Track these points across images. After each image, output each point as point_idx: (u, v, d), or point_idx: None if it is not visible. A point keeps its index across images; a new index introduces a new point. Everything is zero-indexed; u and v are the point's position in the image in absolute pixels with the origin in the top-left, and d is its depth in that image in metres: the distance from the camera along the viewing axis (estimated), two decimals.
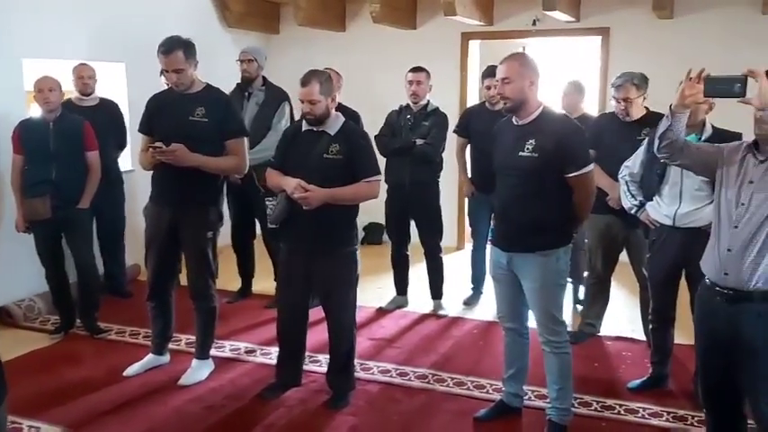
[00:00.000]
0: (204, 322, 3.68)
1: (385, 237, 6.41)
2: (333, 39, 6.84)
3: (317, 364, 3.77)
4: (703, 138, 3.24)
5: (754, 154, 2.32)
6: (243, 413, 3.32)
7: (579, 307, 4.66)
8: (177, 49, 3.38)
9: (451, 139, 4.90)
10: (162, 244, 3.57)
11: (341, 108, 4.66)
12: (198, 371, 3.68)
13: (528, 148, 2.85)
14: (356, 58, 6.64)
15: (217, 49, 5.91)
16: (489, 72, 4.71)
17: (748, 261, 2.24)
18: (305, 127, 3.29)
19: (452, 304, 4.93)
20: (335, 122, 3.27)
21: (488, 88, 4.71)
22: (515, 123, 2.96)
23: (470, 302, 5.00)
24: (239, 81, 4.86)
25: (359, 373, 3.63)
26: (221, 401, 3.43)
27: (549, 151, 2.82)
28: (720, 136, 3.19)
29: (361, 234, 6.90)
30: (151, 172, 3.59)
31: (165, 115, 3.53)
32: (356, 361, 3.61)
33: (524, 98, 2.88)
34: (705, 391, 2.54)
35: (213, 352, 3.86)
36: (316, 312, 3.52)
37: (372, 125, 4.80)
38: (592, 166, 2.95)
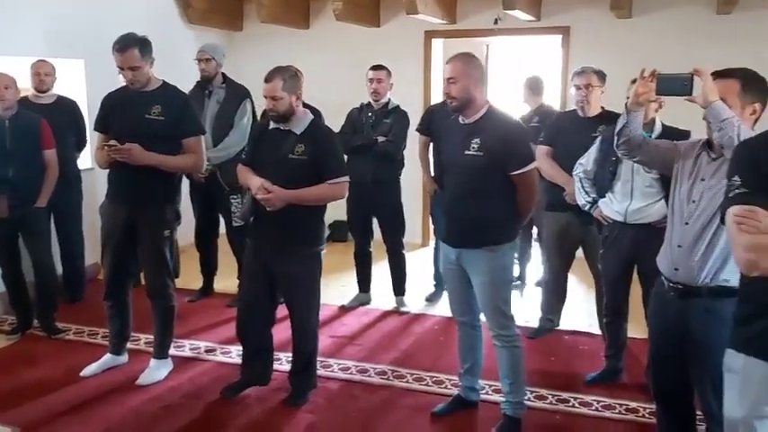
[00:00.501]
0: (162, 321, 3.66)
1: (350, 234, 6.43)
2: (296, 36, 6.82)
3: (278, 362, 3.77)
4: (654, 135, 3.31)
5: (707, 152, 2.36)
6: (201, 412, 3.31)
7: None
8: (132, 46, 3.35)
9: (414, 138, 4.93)
10: (118, 243, 3.54)
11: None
12: (156, 370, 3.66)
13: (473, 147, 2.91)
14: (320, 55, 6.64)
15: (178, 47, 5.86)
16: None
17: (697, 257, 2.30)
18: (272, 125, 3.27)
19: (415, 301, 4.96)
20: (302, 121, 3.24)
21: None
22: (461, 122, 3.01)
23: (432, 299, 5.04)
24: (199, 79, 4.83)
25: (319, 371, 3.64)
26: (179, 400, 3.42)
27: (493, 150, 2.87)
28: (669, 133, 3.27)
29: (326, 232, 6.93)
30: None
31: (121, 113, 3.50)
32: (318, 359, 3.60)
33: (470, 97, 2.93)
34: (656, 384, 2.60)
35: (173, 351, 3.84)
36: (280, 310, 3.51)
37: (335, 123, 4.80)
38: (534, 165, 3.01)
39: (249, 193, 3.26)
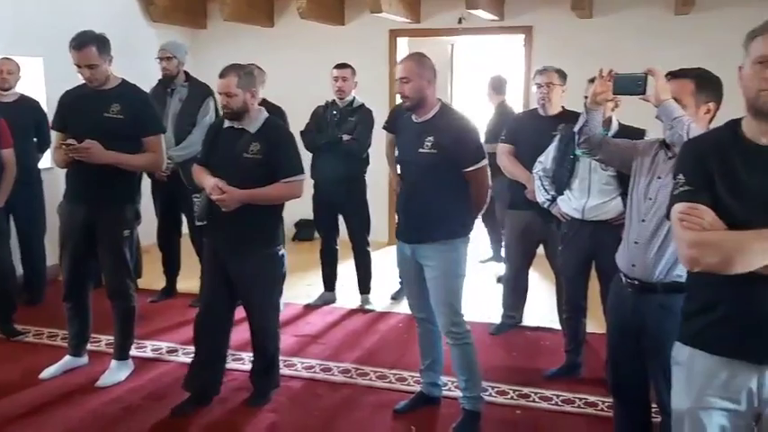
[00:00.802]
0: (122, 322, 3.62)
1: (316, 233, 6.42)
2: (261, 34, 6.79)
3: (240, 362, 3.76)
4: (610, 133, 3.36)
5: (665, 151, 2.41)
6: (162, 413, 3.27)
7: None
8: (90, 44, 3.31)
9: (379, 136, 4.94)
10: (77, 243, 3.49)
11: (264, 104, 4.67)
12: (116, 372, 3.62)
13: (427, 145, 2.95)
14: (284, 53, 6.62)
15: (140, 44, 5.80)
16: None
17: (652, 254, 2.35)
18: (226, 124, 3.24)
19: (380, 299, 4.98)
20: (257, 119, 3.20)
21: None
22: (415, 121, 3.05)
23: (398, 297, 5.05)
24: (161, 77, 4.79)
25: (282, 370, 3.63)
26: (140, 402, 3.39)
27: (446, 148, 2.92)
28: (626, 132, 3.33)
29: (292, 230, 6.91)
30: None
31: (79, 112, 3.45)
32: (280, 357, 3.59)
33: (423, 96, 2.98)
34: (613, 378, 2.64)
35: (134, 352, 3.81)
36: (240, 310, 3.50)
37: (299, 121, 4.81)
38: (486, 161, 3.05)
39: (204, 192, 3.24)
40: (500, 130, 4.39)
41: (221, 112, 4.51)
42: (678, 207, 1.73)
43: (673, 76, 2.37)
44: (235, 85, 3.09)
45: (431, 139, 2.94)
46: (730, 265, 1.60)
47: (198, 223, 3.41)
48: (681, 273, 2.30)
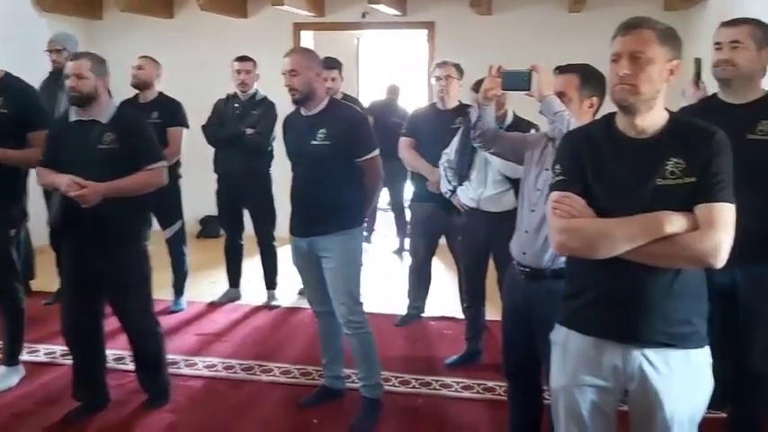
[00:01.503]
0: (11, 326, 3.45)
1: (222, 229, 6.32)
2: (160, 26, 6.61)
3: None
4: (504, 126, 3.48)
5: (552, 143, 2.49)
6: (54, 418, 3.14)
7: None
8: None
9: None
10: None
11: (162, 97, 4.56)
12: (6, 378, 3.45)
13: (320, 137, 2.96)
14: (184, 46, 6.48)
15: (31, 36, 5.51)
16: (326, 65, 4.77)
17: (541, 242, 2.44)
18: (73, 117, 3.02)
19: (287, 295, 4.95)
20: (108, 110, 3.02)
21: (324, 80, 4.77)
22: (304, 114, 3.06)
23: (305, 292, 5.03)
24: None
25: (182, 370, 3.57)
26: (31, 407, 3.25)
27: (339, 139, 2.95)
28: (518, 124, 3.46)
29: (197, 227, 6.77)
30: None
31: None
32: (181, 357, 3.52)
33: (312, 89, 2.98)
34: (506, 362, 2.74)
35: (26, 357, 3.65)
36: None
37: (201, 115, 4.72)
38: (377, 151, 3.10)
39: (57, 194, 3.03)
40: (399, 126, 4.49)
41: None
42: (552, 196, 1.82)
43: (560, 71, 2.47)
44: (87, 68, 2.94)
45: (323, 130, 2.96)
46: (595, 250, 1.70)
47: (53, 227, 3.21)
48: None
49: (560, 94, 2.42)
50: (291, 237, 3.20)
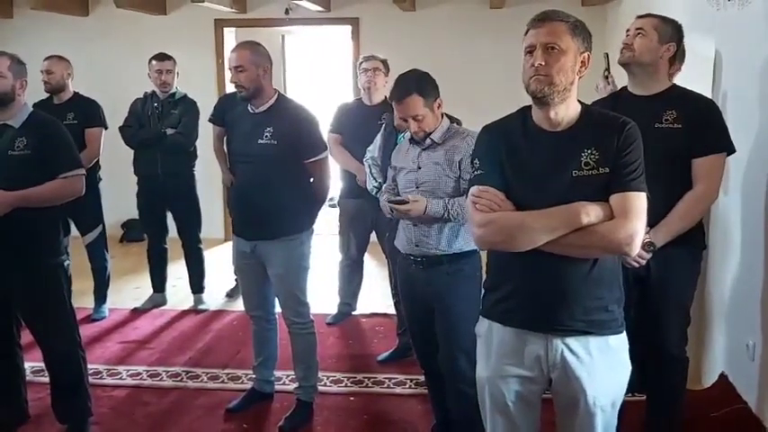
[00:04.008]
0: None
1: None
2: (74, 24, 6.35)
3: None
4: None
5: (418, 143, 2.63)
6: None
7: None
8: None
9: (207, 129, 4.78)
10: None
11: (78, 97, 4.38)
12: None
13: (266, 136, 2.88)
14: (100, 45, 6.26)
15: None
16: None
17: (434, 232, 2.53)
18: None
19: (214, 298, 4.84)
20: (21, 113, 2.80)
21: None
22: (252, 111, 2.97)
23: (233, 294, 4.93)
24: None
25: (105, 380, 3.43)
26: None
27: (287, 138, 2.87)
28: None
29: (119, 232, 6.55)
30: None
31: None
32: (103, 367, 3.38)
33: (259, 86, 2.90)
34: (418, 354, 2.82)
35: None
36: None
37: (118, 115, 4.56)
38: (327, 152, 3.05)
39: None
40: None
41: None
42: (472, 190, 1.83)
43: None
44: (6, 67, 2.74)
45: (270, 129, 2.87)
46: (514, 242, 1.72)
47: None
48: (462, 245, 2.54)
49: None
50: (233, 236, 3.11)
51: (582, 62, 1.74)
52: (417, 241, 2.56)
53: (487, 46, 5.79)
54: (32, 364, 3.41)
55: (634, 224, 1.68)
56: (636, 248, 1.70)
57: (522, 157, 1.80)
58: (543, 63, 1.69)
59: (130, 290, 4.98)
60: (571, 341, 1.77)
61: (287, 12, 6.20)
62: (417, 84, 2.53)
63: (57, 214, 2.90)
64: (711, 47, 3.18)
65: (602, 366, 1.79)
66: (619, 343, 1.83)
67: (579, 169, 1.73)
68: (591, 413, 1.79)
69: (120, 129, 4.53)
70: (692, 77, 2.95)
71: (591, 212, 1.68)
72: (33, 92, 3.20)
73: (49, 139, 2.81)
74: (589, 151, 1.73)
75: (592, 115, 1.80)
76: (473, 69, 5.98)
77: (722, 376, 3.09)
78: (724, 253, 3.09)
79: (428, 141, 2.59)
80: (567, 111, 1.76)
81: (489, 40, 5.84)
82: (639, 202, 1.71)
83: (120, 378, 3.59)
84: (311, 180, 3.04)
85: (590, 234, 1.68)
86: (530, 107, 1.85)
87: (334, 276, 4.49)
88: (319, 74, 7.99)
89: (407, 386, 3.49)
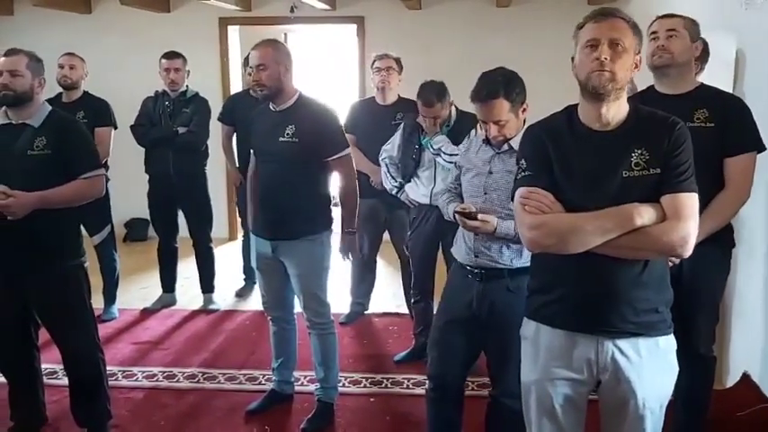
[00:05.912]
0: None
1: (150, 232, 6.10)
2: (77, 22, 6.28)
3: None
4: (451, 124, 3.48)
5: (491, 147, 2.46)
6: None
7: None
8: None
9: (217, 127, 4.74)
10: None
11: (88, 96, 4.32)
12: None
13: (288, 134, 2.85)
14: (105, 42, 6.19)
15: None
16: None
17: (497, 244, 2.38)
18: (0, 120, 2.73)
19: (224, 298, 4.81)
20: (40, 112, 2.73)
21: (251, 75, 4.63)
22: (273, 110, 2.94)
23: (243, 294, 4.92)
24: None
25: (121, 381, 3.39)
26: None
27: (309, 136, 2.84)
28: (462, 119, 3.48)
29: (123, 231, 6.49)
30: None
31: None
32: (118, 369, 3.33)
33: (281, 84, 2.87)
34: (435, 359, 2.63)
35: None
36: None
37: (128, 114, 4.50)
38: (350, 150, 3.02)
39: None
40: None
41: None
42: (520, 192, 1.80)
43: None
44: (24, 65, 2.68)
45: (292, 127, 2.84)
46: (567, 245, 1.69)
47: None
48: (526, 261, 2.32)
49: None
50: (253, 236, 3.08)
51: (635, 63, 1.73)
52: (477, 252, 2.41)
53: (494, 44, 5.76)
54: (46, 365, 3.35)
55: (688, 225, 1.66)
56: (689, 250, 1.68)
57: (570, 158, 1.77)
58: (608, 58, 1.67)
59: (137, 290, 4.93)
60: (621, 343, 1.76)
61: (292, 10, 6.15)
62: (505, 86, 2.34)
63: (77, 215, 2.84)
64: (733, 46, 3.17)
65: (652, 368, 1.77)
66: (667, 344, 1.81)
67: (629, 170, 1.71)
68: (640, 415, 1.78)
69: (132, 128, 4.48)
70: (714, 76, 2.94)
71: (644, 214, 1.67)
72: None
73: (70, 138, 2.75)
74: (639, 152, 1.72)
75: (641, 115, 1.78)
76: (479, 68, 5.81)
77: (745, 376, 3.09)
78: (748, 252, 3.09)
79: (505, 146, 2.41)
80: (618, 109, 1.74)
81: (495, 38, 5.82)
82: (692, 202, 1.69)
83: (137, 380, 3.55)
84: (339, 185, 3.00)
85: (644, 236, 1.66)
86: (575, 106, 1.83)
87: (347, 276, 4.46)
88: (322, 72, 7.93)
89: (427, 386, 3.46)
